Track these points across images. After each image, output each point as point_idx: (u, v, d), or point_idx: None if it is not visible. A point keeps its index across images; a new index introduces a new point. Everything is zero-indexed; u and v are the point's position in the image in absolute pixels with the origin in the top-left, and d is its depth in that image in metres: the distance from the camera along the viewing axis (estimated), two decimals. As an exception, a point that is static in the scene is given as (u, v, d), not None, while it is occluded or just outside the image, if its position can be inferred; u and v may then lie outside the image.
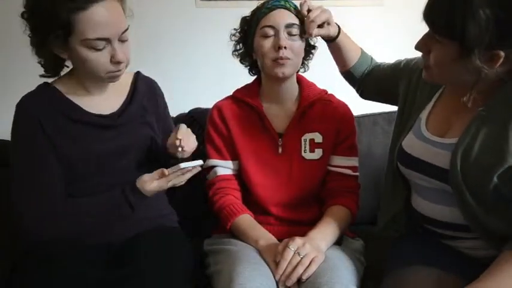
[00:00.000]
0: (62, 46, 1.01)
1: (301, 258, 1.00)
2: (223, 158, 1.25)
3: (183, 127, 1.11)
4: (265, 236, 1.13)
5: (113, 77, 1.08)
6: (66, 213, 1.06)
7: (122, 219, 1.09)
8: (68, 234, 1.05)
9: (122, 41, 1.04)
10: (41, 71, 1.09)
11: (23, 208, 1.04)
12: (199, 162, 1.07)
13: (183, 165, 1.04)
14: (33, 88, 1.11)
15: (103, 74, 1.05)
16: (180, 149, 1.07)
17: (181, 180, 1.08)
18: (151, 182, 1.06)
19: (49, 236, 1.03)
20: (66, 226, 1.05)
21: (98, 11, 0.97)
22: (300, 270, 0.99)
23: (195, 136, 1.13)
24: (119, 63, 1.04)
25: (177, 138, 1.06)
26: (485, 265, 0.88)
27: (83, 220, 1.06)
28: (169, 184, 1.06)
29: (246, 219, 1.18)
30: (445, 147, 0.97)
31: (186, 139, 1.09)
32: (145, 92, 1.21)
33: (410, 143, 1.06)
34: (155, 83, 1.26)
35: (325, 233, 1.11)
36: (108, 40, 1.01)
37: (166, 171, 1.04)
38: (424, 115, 1.07)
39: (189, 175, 1.09)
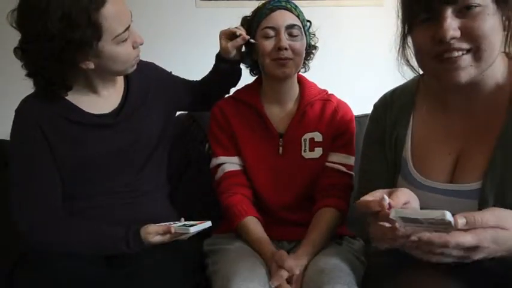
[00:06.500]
0: (91, 55, 1.00)
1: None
2: (229, 154, 1.24)
3: None
4: (267, 243, 1.11)
5: (135, 63, 1.10)
6: (64, 231, 1.04)
7: (114, 253, 1.05)
8: (62, 247, 1.02)
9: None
10: None
11: (18, 215, 1.04)
12: (208, 223, 1.05)
13: (193, 230, 1.00)
14: (33, 90, 1.09)
15: (130, 63, 1.07)
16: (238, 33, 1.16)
17: (185, 237, 1.05)
18: (154, 235, 1.03)
19: (42, 245, 1.02)
20: (61, 242, 1.03)
21: (113, 2, 0.98)
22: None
23: None
24: (138, 46, 1.06)
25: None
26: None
27: (78, 240, 1.04)
28: (172, 239, 1.04)
29: (250, 222, 1.16)
30: (464, 194, 0.80)
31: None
32: (138, 76, 1.19)
33: None
34: (143, 62, 1.21)
35: (314, 245, 1.10)
36: (128, 28, 1.01)
37: (173, 229, 1.01)
38: (407, 155, 0.91)
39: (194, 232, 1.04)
